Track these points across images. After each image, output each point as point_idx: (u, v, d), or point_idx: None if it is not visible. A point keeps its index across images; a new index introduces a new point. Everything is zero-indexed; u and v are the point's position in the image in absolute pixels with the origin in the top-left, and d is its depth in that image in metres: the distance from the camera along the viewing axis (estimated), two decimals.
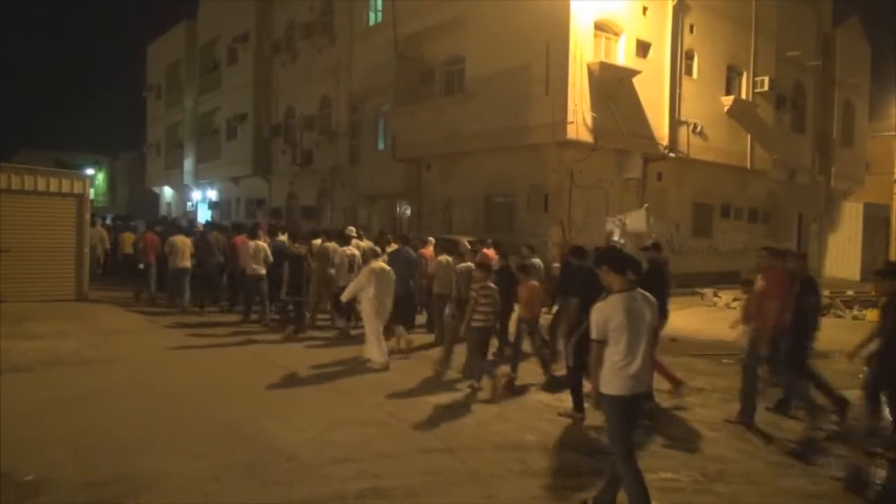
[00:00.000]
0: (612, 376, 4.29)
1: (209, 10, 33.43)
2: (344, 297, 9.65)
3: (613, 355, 4.28)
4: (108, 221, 20.97)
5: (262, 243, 12.23)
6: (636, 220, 13.56)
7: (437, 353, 9.28)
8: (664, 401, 7.43)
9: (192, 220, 27.48)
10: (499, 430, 6.36)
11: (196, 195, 36.93)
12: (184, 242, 13.49)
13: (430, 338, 10.63)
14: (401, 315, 10.20)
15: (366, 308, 8.99)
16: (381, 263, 9.22)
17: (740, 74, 21.01)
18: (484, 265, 8.36)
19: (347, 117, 24.73)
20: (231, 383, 8.05)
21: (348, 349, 9.83)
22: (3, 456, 5.16)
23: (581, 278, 7.17)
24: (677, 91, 18.71)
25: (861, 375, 6.89)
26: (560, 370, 7.93)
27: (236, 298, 13.52)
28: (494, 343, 9.14)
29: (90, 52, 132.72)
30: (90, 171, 42.60)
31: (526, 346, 8.58)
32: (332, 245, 11.54)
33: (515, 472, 5.32)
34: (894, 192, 30.62)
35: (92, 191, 16.75)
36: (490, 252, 11.17)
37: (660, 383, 7.45)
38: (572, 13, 15.99)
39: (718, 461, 5.76)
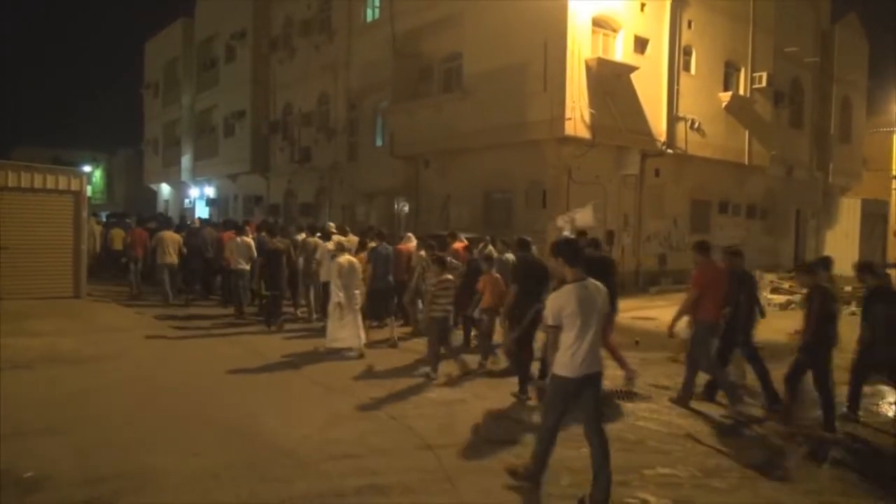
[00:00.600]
0: (566, 359, 4.63)
1: (207, 8, 33.33)
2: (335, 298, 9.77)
3: (567, 340, 4.62)
4: (104, 218, 21.15)
5: (249, 239, 12.59)
6: (585, 217, 14.19)
7: (417, 344, 9.68)
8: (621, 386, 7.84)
9: (185, 216, 27.54)
10: (496, 426, 6.37)
11: (194, 192, 36.88)
12: (171, 238, 14.00)
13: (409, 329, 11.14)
14: (381, 308, 10.56)
15: (333, 299, 9.36)
16: (348, 257, 9.59)
17: (738, 70, 20.99)
18: (439, 259, 8.79)
19: (345, 114, 24.70)
20: (226, 379, 8.05)
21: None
22: (2, 453, 5.17)
23: (522, 268, 7.67)
24: (675, 87, 18.70)
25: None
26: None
27: (228, 294, 13.70)
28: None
29: (88, 49, 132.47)
30: (87, 169, 42.49)
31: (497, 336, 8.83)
32: (313, 240, 11.94)
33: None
34: (892, 188, 30.75)
35: (89, 188, 16.80)
36: (459, 245, 11.55)
37: (612, 370, 7.49)
38: (570, 9, 15.97)
39: (716, 456, 5.78)
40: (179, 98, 36.13)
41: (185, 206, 37.60)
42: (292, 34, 27.25)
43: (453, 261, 9.58)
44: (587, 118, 16.32)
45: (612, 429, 6.42)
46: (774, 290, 17.38)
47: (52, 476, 4.89)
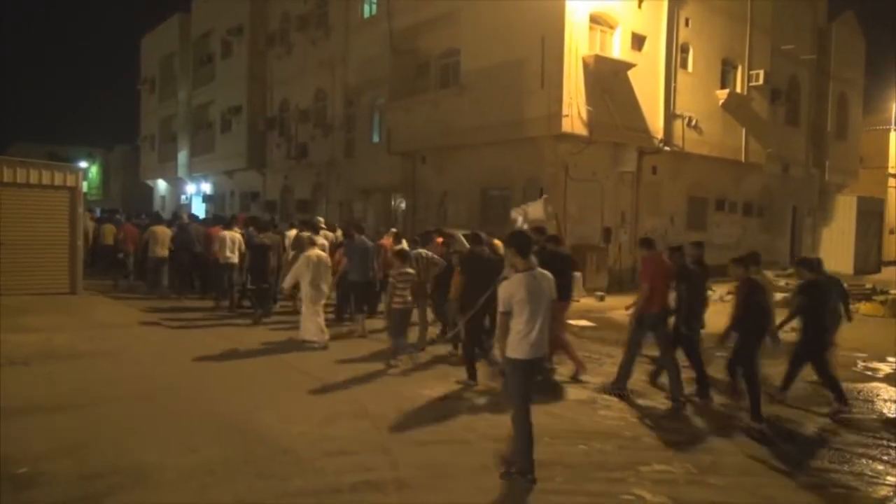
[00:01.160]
0: (516, 343, 4.95)
1: (203, 3, 33.25)
2: (285, 285, 10.24)
3: (517, 325, 4.93)
4: (99, 214, 21.29)
5: (237, 234, 12.90)
6: (536, 210, 14.88)
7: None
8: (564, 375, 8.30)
9: (175, 212, 27.77)
10: (491, 423, 6.37)
11: (190, 188, 36.82)
12: (163, 232, 14.44)
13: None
14: (361, 301, 10.87)
15: (304, 292, 9.63)
16: (317, 251, 9.83)
17: (735, 68, 21.00)
18: (400, 253, 9.13)
19: (342, 110, 24.65)
20: (220, 374, 8.06)
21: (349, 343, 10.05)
22: None
23: (472, 261, 8.14)
24: (672, 84, 18.70)
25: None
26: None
27: (211, 286, 13.96)
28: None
29: (84, 45, 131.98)
30: (83, 164, 42.35)
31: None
32: (306, 235, 11.99)
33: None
34: (888, 185, 30.83)
35: (85, 184, 16.90)
36: (439, 241, 11.63)
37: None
38: (567, 6, 15.94)
39: (711, 453, 5.80)
40: (176, 93, 36.07)
41: (182, 202, 37.51)
42: (289, 30, 27.19)
43: (435, 257, 9.71)
44: (584, 115, 16.31)
45: (607, 425, 6.46)
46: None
47: (47, 472, 4.88)
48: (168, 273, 14.79)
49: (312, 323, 9.62)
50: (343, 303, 11.84)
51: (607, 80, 16.76)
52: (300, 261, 9.75)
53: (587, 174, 17.26)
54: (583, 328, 12.02)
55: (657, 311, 7.46)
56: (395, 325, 8.73)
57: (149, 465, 5.07)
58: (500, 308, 5.02)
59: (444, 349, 9.54)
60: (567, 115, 15.98)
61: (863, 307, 14.48)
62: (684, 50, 19.23)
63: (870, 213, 25.55)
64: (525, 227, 13.82)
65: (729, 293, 13.85)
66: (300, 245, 12.09)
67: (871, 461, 5.82)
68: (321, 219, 14.33)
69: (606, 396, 7.43)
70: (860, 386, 8.45)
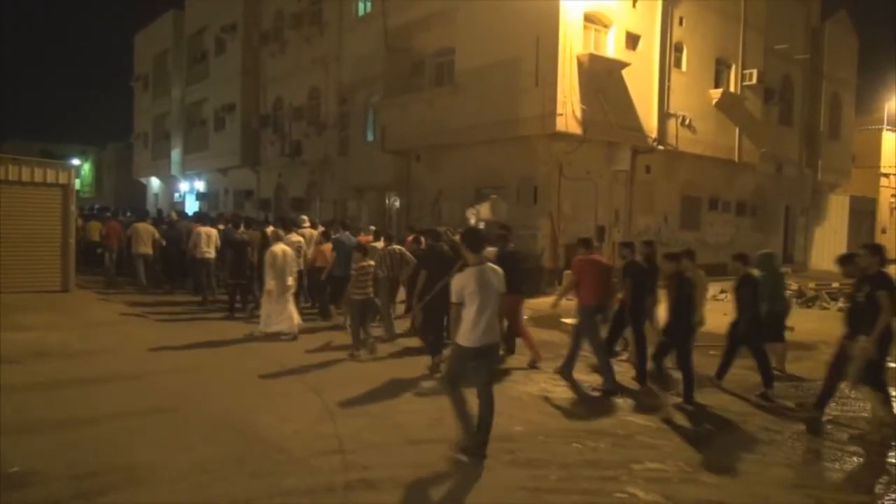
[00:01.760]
0: (467, 331, 5.32)
1: (197, 0, 33.11)
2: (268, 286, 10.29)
3: (468, 315, 5.31)
4: (85, 211, 21.40)
5: (213, 230, 13.42)
6: (485, 210, 15.71)
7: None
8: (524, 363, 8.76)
9: (160, 209, 28.03)
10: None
11: (184, 186, 36.68)
12: (146, 229, 14.89)
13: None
14: (338, 294, 11.10)
15: (268, 286, 9.93)
16: (282, 247, 10.18)
17: (729, 67, 21.07)
18: (360, 247, 9.61)
19: (337, 108, 24.61)
20: (212, 372, 8.04)
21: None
22: None
23: (431, 256, 8.74)
24: (666, 83, 18.75)
25: None
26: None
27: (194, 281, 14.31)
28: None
29: (77, 41, 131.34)
30: (76, 162, 42.22)
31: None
32: (271, 230, 12.67)
33: (504, 463, 5.35)
34: (880, 185, 31.00)
35: (78, 181, 16.99)
36: (409, 238, 12.13)
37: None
38: (562, 5, 15.97)
39: (705, 451, 5.81)
40: (169, 91, 35.90)
41: (175, 199, 37.36)
42: (283, 27, 27.12)
43: (407, 254, 10.17)
44: (578, 114, 16.34)
45: (601, 424, 6.48)
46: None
47: (40, 471, 4.86)
48: (154, 269, 15.24)
49: (283, 314, 9.96)
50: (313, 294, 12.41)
51: (601, 79, 16.79)
52: (265, 255, 10.13)
53: (581, 173, 17.29)
54: None
55: (593, 303, 7.93)
56: (355, 316, 9.12)
57: (142, 464, 5.05)
58: (453, 299, 5.41)
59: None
60: (561, 114, 16.00)
61: None
62: (678, 49, 19.28)
63: (862, 213, 25.72)
64: (481, 225, 14.49)
65: (722, 291, 13.93)
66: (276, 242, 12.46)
67: (860, 458, 5.86)
68: (305, 217, 14.79)
69: (593, 392, 7.63)
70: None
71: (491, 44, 17.27)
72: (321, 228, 13.07)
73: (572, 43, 16.25)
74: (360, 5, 23.24)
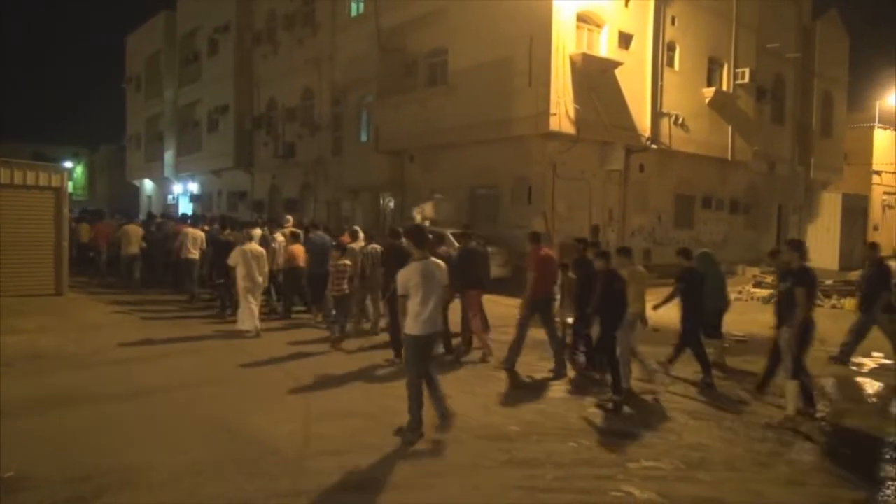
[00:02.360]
0: (412, 321, 5.72)
1: (189, 1, 32.99)
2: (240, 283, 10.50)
3: (413, 306, 5.70)
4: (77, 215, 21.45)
5: (199, 231, 13.68)
6: (428, 209, 16.63)
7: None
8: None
9: (149, 212, 28.14)
10: (482, 422, 6.39)
11: (177, 188, 36.54)
12: (135, 231, 15.23)
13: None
14: (316, 290, 11.45)
15: (239, 284, 10.20)
16: (252, 245, 10.43)
17: (721, 66, 21.13)
18: (337, 246, 10.16)
19: (330, 109, 24.57)
20: (205, 374, 8.01)
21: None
22: None
23: (393, 254, 9.00)
24: (659, 83, 18.79)
25: None
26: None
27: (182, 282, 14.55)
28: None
29: (69, 42, 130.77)
30: (69, 164, 42.03)
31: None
32: (244, 231, 13.06)
33: (500, 463, 5.36)
34: (872, 182, 31.13)
35: (70, 184, 17.04)
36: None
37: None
38: (555, 5, 15.97)
39: (699, 449, 5.83)
40: (162, 92, 35.76)
41: (169, 201, 37.23)
42: (276, 28, 27.06)
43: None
44: (572, 114, 16.36)
45: (596, 423, 6.50)
46: (757, 285, 17.55)
47: (34, 475, 4.84)
48: (143, 269, 15.57)
49: (246, 312, 10.20)
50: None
51: (594, 78, 16.81)
52: (233, 253, 10.35)
53: (575, 172, 17.30)
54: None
55: (541, 296, 8.36)
56: (331, 311, 9.70)
57: (136, 466, 5.04)
58: (399, 291, 5.80)
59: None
60: (555, 114, 16.02)
61: (847, 303, 14.60)
62: (671, 48, 19.32)
63: (854, 210, 25.77)
64: (426, 223, 14.97)
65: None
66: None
67: (855, 455, 5.88)
68: (290, 217, 15.25)
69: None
70: (846, 381, 8.54)
71: (484, 44, 17.28)
72: (290, 229, 13.23)
73: (565, 42, 16.27)
74: (353, 6, 23.21)
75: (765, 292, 15.73)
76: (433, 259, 5.92)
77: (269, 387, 7.54)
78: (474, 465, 5.28)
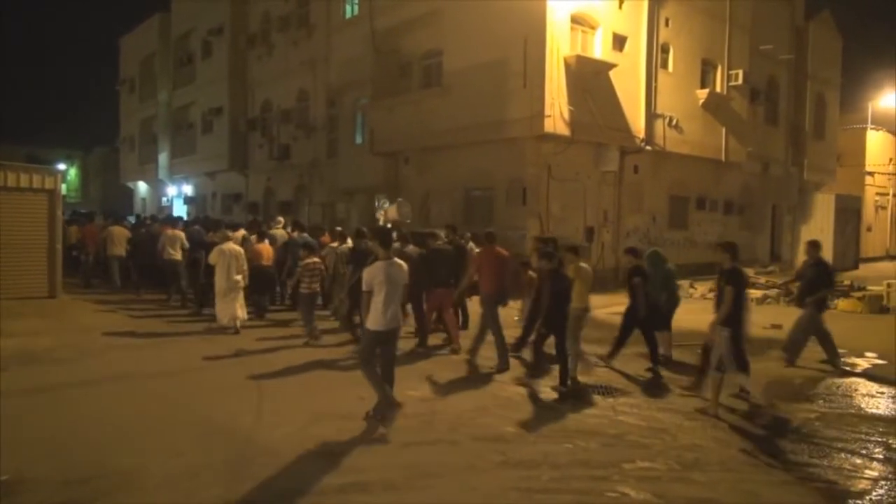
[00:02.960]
0: (375, 317, 6.10)
1: (183, 3, 32.96)
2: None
3: (376, 303, 6.08)
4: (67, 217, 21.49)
5: (179, 232, 13.84)
6: (391, 212, 17.07)
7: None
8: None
9: (137, 214, 28.21)
10: (478, 423, 6.40)
11: (171, 190, 36.46)
12: (120, 233, 15.38)
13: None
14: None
15: (217, 282, 10.41)
16: (230, 245, 10.63)
17: (715, 68, 21.22)
18: (305, 245, 10.68)
19: (325, 111, 24.56)
20: (200, 375, 8.01)
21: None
22: None
23: (358, 253, 9.55)
24: (653, 84, 18.86)
25: None
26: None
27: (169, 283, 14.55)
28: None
29: (63, 44, 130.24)
30: (62, 167, 41.82)
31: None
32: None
33: (495, 464, 5.36)
34: (864, 183, 31.30)
35: (64, 186, 17.01)
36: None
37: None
38: (549, 7, 16.03)
39: (694, 450, 5.84)
40: (156, 94, 35.68)
41: (163, 204, 37.11)
42: (270, 30, 27.06)
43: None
44: (566, 115, 16.40)
45: (591, 423, 6.51)
46: (751, 286, 17.58)
47: (29, 478, 4.83)
48: (132, 270, 15.69)
49: (228, 310, 10.41)
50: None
51: (589, 80, 16.87)
52: (214, 252, 10.54)
53: (570, 174, 17.35)
54: None
55: (493, 290, 8.73)
56: (305, 309, 10.08)
57: (132, 469, 5.03)
58: (364, 288, 6.19)
59: (426, 348, 9.77)
60: (549, 116, 16.06)
61: (841, 303, 14.68)
62: (664, 50, 19.40)
63: (847, 211, 25.92)
64: (389, 225, 15.30)
65: (711, 290, 14.03)
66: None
67: (850, 455, 5.91)
68: (280, 218, 15.59)
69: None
70: (839, 381, 8.57)
71: (478, 46, 17.31)
72: (243, 229, 13.59)
73: (559, 44, 16.31)
74: (348, 7, 23.22)
75: (758, 293, 15.77)
76: (396, 260, 6.35)
77: (264, 387, 7.53)
78: (470, 466, 5.28)
